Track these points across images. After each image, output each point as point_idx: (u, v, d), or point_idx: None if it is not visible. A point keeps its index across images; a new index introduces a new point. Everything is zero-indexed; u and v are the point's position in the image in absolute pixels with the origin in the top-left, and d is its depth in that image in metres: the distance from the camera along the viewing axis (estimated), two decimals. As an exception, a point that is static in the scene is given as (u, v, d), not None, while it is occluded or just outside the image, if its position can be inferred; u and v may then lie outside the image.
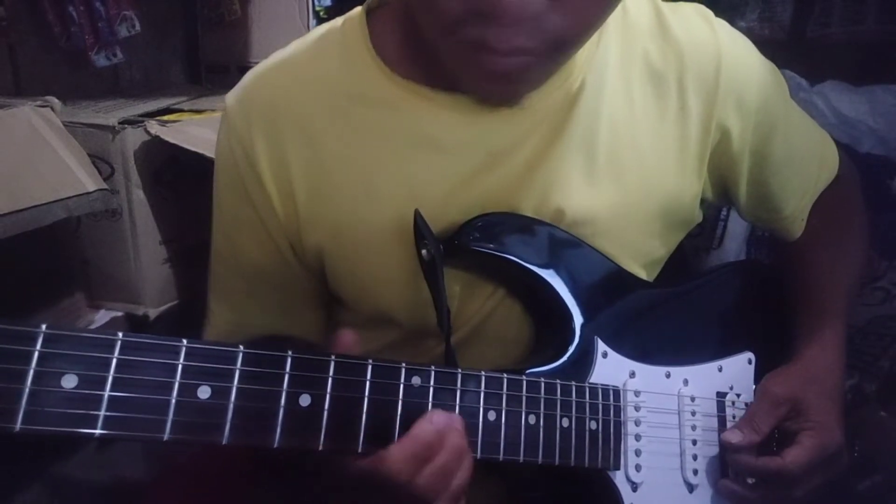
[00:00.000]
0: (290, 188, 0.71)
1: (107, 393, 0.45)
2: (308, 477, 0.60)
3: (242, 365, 0.50)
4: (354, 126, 0.70)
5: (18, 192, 0.98)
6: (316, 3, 1.62)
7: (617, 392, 0.70)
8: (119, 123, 1.22)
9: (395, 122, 0.69)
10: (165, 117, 1.31)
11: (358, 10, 0.72)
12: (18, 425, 0.43)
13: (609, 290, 0.73)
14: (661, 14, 0.72)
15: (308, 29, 1.60)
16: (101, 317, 1.30)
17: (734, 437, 0.74)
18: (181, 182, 1.34)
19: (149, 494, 0.92)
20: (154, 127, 1.22)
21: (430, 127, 0.68)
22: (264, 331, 0.79)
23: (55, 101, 1.14)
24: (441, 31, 0.56)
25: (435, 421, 0.55)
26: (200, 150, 1.17)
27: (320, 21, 1.62)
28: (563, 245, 0.70)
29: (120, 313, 1.32)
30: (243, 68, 1.66)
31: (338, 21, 0.74)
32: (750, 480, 0.75)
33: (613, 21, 0.71)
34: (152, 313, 1.33)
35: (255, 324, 0.80)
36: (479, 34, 0.54)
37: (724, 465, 0.76)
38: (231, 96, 0.75)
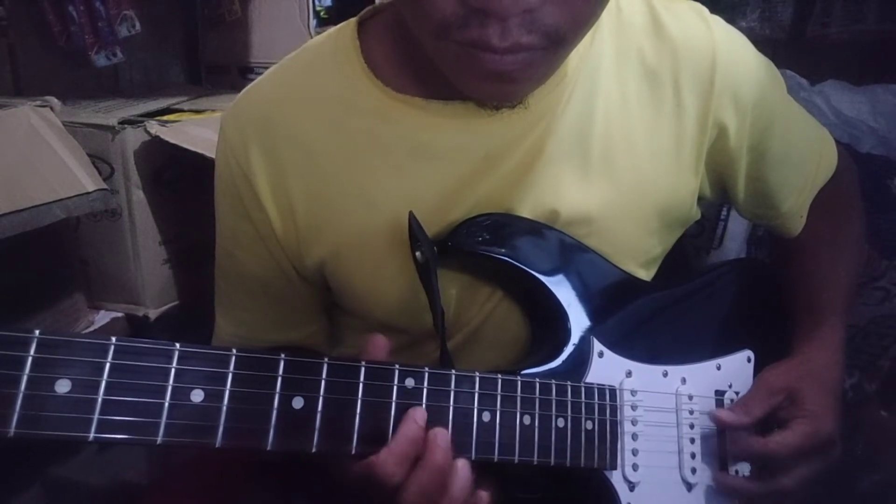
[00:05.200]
0: (289, 203, 0.72)
1: (100, 397, 0.46)
2: (305, 480, 0.61)
3: (235, 368, 0.50)
4: (349, 137, 0.70)
5: (18, 193, 0.98)
6: (316, 3, 1.62)
7: (613, 391, 0.69)
8: (119, 123, 1.22)
9: (390, 132, 0.69)
10: (165, 117, 1.31)
11: (350, 21, 0.73)
12: (13, 430, 0.43)
13: (605, 289, 0.73)
14: (655, 12, 0.72)
15: (308, 29, 1.60)
16: (101, 318, 1.30)
17: (725, 415, 0.74)
18: (181, 182, 1.34)
19: (148, 496, 0.92)
20: (154, 127, 1.22)
21: (425, 135, 0.68)
22: (268, 343, 0.80)
23: (55, 101, 1.14)
24: (435, 36, 0.56)
25: (418, 417, 0.56)
26: (200, 150, 1.17)
27: (320, 21, 1.62)
28: (557, 244, 0.70)
29: (120, 314, 1.32)
30: (243, 68, 1.68)
31: (330, 33, 0.74)
32: (746, 473, 0.75)
33: (607, 19, 0.71)
34: (152, 314, 1.32)
35: (259, 337, 0.81)
36: (475, 34, 0.53)
37: (723, 463, 0.76)
38: (226, 114, 0.75)
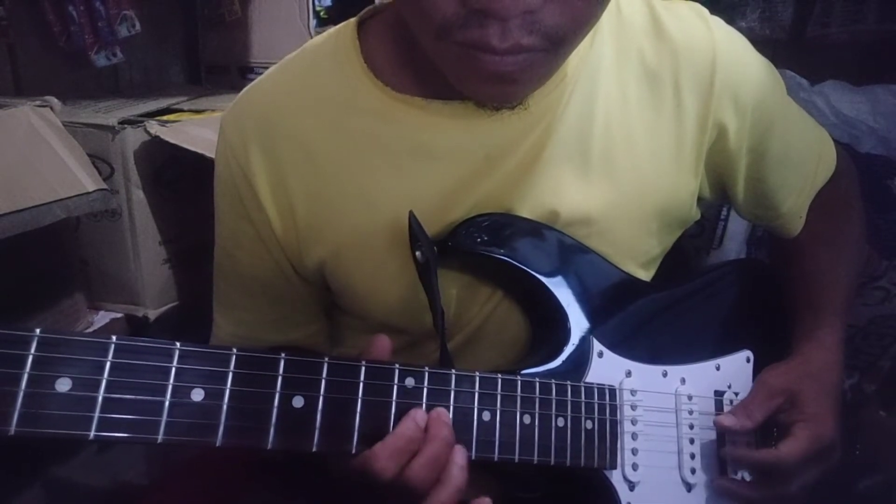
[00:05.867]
0: (289, 203, 0.72)
1: (101, 395, 0.46)
2: (305, 477, 0.61)
3: (236, 367, 0.51)
4: (350, 138, 0.70)
5: (18, 193, 0.98)
6: (316, 3, 1.62)
7: (613, 391, 0.70)
8: (119, 123, 1.23)
9: (390, 132, 0.69)
10: (165, 117, 1.32)
11: (350, 22, 0.73)
12: (13, 428, 0.43)
13: (605, 289, 0.73)
14: (655, 13, 0.72)
15: (308, 29, 1.60)
16: (101, 318, 1.30)
17: (727, 420, 0.74)
18: (181, 182, 1.34)
19: (148, 496, 0.92)
20: (154, 127, 1.22)
21: (425, 135, 0.68)
22: (268, 344, 0.80)
23: (55, 101, 1.15)
24: (435, 36, 0.56)
25: (419, 417, 0.56)
26: (200, 150, 1.17)
27: (320, 21, 1.62)
28: (557, 245, 0.70)
29: (120, 314, 1.32)
30: (243, 68, 1.68)
31: (330, 33, 0.74)
32: (747, 477, 0.75)
33: (607, 21, 0.71)
34: (152, 314, 1.33)
35: (258, 337, 0.81)
36: (475, 35, 0.54)
37: (723, 463, 0.76)
38: (226, 114, 0.76)
